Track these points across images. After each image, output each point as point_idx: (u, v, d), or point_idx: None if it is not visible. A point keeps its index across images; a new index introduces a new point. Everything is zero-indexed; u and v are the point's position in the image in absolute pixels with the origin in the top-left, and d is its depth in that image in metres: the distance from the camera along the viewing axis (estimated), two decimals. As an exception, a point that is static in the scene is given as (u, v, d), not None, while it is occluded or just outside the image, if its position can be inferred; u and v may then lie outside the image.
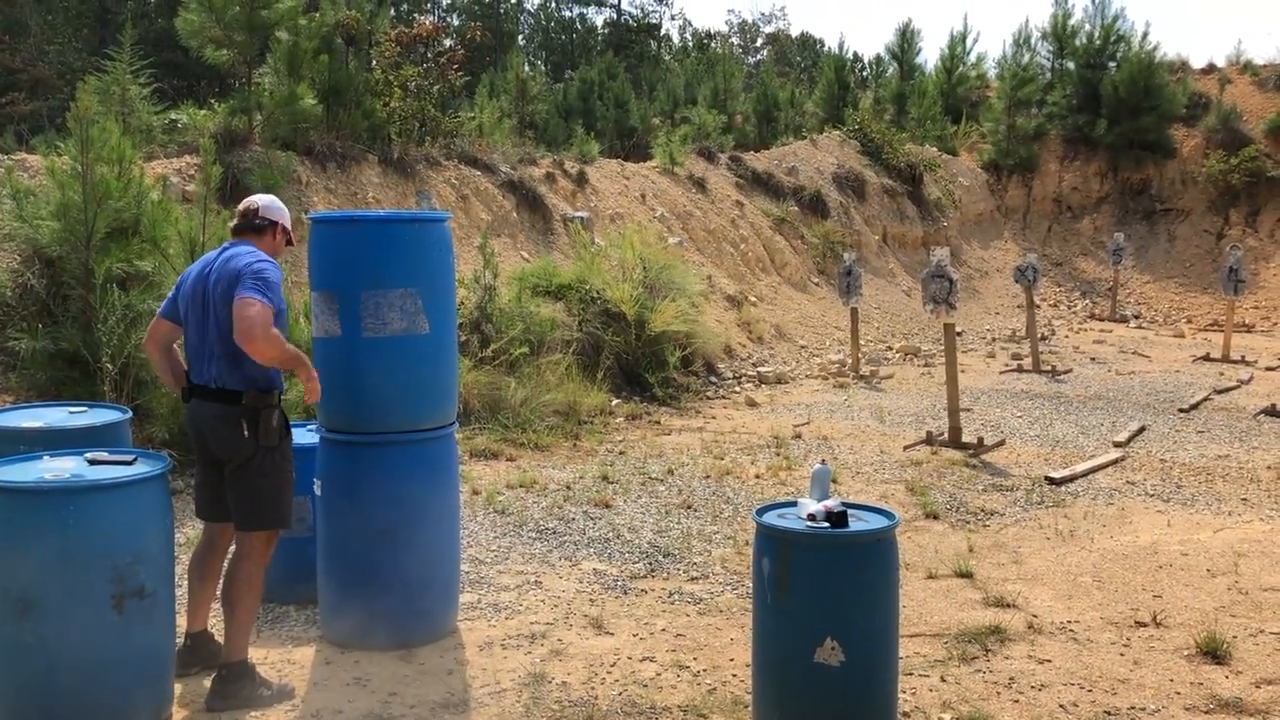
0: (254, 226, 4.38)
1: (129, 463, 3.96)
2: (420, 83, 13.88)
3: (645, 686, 4.43)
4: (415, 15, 39.75)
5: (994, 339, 16.03)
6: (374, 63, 13.64)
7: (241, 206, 4.47)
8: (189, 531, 6.35)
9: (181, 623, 4.43)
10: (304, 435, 5.39)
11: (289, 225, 4.51)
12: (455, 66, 14.89)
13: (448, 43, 19.42)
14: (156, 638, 3.88)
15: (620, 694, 4.36)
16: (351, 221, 5.08)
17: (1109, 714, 4.17)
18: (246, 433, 4.16)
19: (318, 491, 4.81)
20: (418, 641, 4.78)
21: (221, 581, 4.38)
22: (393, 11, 24.91)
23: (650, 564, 6.00)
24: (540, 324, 10.09)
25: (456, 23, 45.69)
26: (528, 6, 55.40)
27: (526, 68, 24.14)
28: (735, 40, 55.65)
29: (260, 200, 4.46)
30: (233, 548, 4.39)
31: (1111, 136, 21.40)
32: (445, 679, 4.48)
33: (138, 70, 11.44)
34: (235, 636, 4.21)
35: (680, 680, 4.49)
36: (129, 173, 7.64)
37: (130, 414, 5.14)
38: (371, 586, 4.71)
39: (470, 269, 10.36)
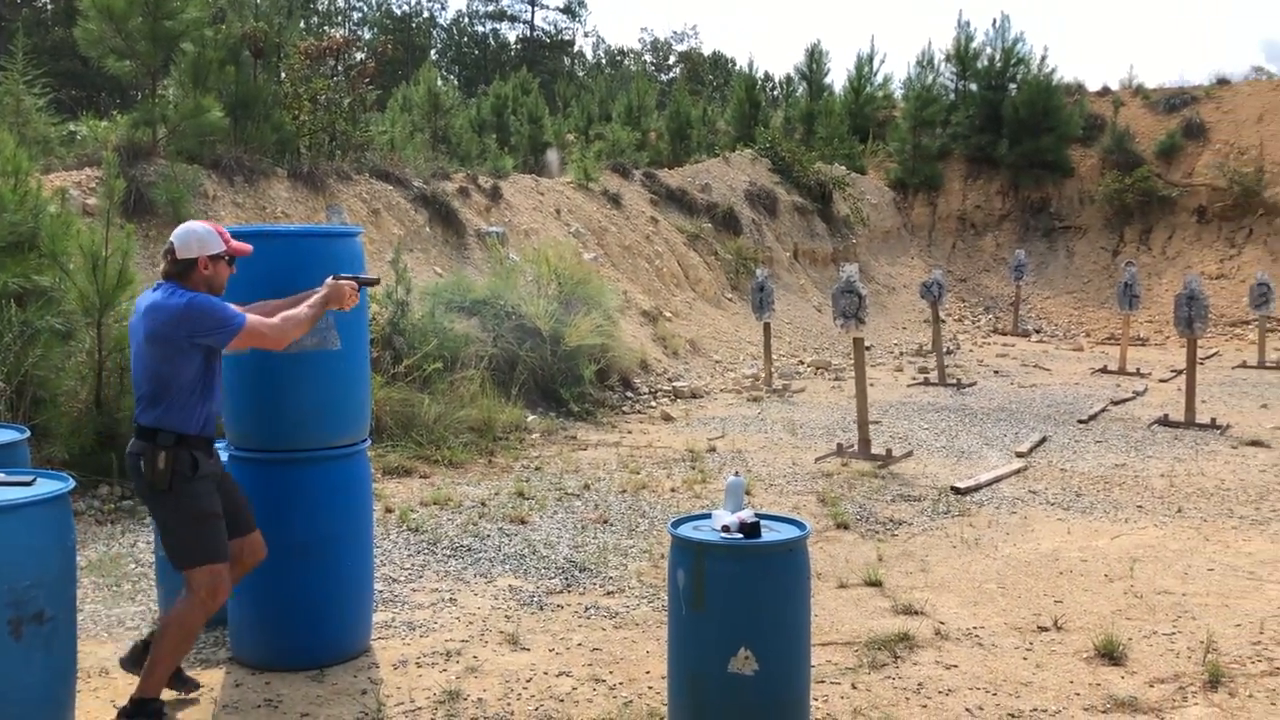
0: (175, 273, 4.13)
1: (28, 483, 3.84)
2: (330, 96, 13.75)
3: (561, 701, 4.43)
4: (325, 28, 39.31)
5: (902, 353, 16.39)
6: (283, 75, 13.48)
7: (163, 248, 4.23)
8: (90, 554, 6.18)
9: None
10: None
11: (216, 248, 4.14)
12: (366, 80, 14.78)
13: (359, 56, 19.25)
14: (57, 665, 3.76)
15: (536, 709, 4.36)
16: (262, 236, 5.00)
17: (1012, 716, 4.30)
18: (144, 471, 4.07)
19: (227, 511, 4.73)
20: (330, 661, 4.72)
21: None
22: (302, 24, 24.53)
23: (566, 579, 6.00)
24: (454, 339, 10.03)
25: (368, 36, 45.27)
26: (440, 21, 55.18)
27: (439, 82, 23.99)
28: (648, 58, 56.13)
29: (175, 241, 4.14)
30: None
31: (1012, 156, 22.08)
32: (359, 699, 4.43)
33: (33, 80, 11.12)
34: (151, 673, 4.07)
35: (596, 694, 4.50)
36: (25, 185, 7.42)
37: (29, 433, 4.98)
38: (283, 606, 4.64)
39: (382, 284, 10.26)
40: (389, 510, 7.23)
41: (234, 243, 4.25)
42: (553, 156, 22.32)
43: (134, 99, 17.41)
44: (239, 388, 4.71)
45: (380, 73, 16.56)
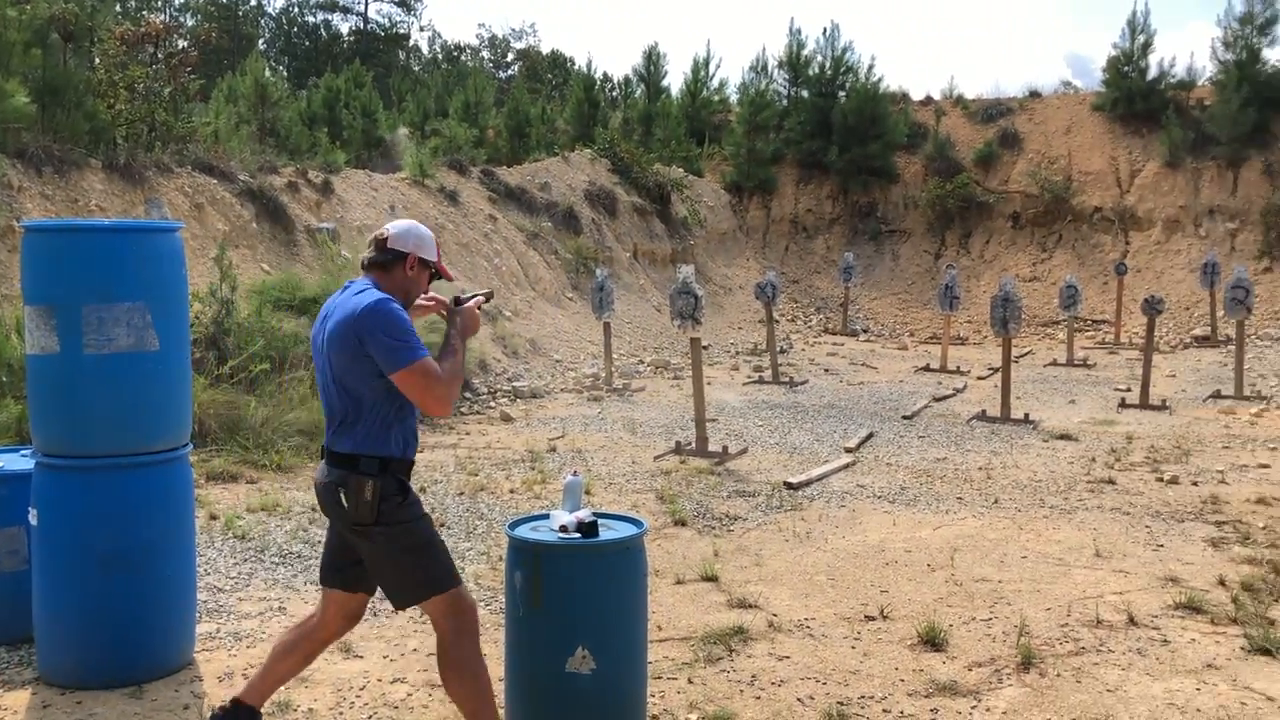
0: (379, 261, 3.64)
1: None
2: (149, 84, 13.12)
3: (395, 708, 4.34)
4: (144, 13, 37.45)
5: (738, 352, 16.73)
6: (97, 61, 12.78)
7: (373, 235, 3.73)
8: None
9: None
10: (17, 461, 4.98)
11: (430, 255, 3.70)
12: (188, 68, 14.17)
13: (181, 43, 18.41)
14: None
15: (370, 717, 4.26)
16: (72, 230, 4.76)
17: (841, 704, 4.43)
18: (346, 505, 3.55)
19: (34, 521, 4.44)
20: (149, 676, 4.49)
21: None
22: (119, 7, 23.34)
23: (401, 583, 5.88)
24: (283, 339, 9.70)
25: (191, 23, 43.43)
26: (269, 10, 53.40)
27: (267, 73, 23.15)
28: (486, 54, 55.63)
29: (391, 228, 3.69)
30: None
31: (842, 162, 22.82)
32: (181, 714, 4.23)
33: None
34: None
35: (432, 700, 4.43)
36: None
37: None
38: (97, 620, 4.39)
39: (206, 282, 9.84)
40: (213, 517, 6.94)
41: (443, 265, 3.79)
42: (397, 138, 21.89)
43: (-71, 81, 16.19)
44: (45, 389, 4.45)
45: (204, 62, 15.91)
